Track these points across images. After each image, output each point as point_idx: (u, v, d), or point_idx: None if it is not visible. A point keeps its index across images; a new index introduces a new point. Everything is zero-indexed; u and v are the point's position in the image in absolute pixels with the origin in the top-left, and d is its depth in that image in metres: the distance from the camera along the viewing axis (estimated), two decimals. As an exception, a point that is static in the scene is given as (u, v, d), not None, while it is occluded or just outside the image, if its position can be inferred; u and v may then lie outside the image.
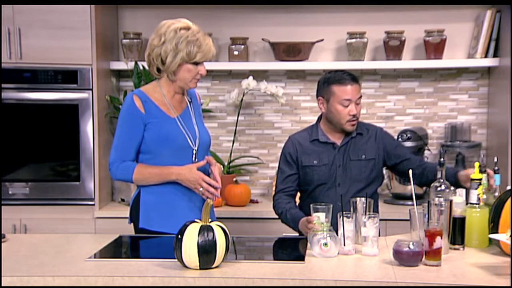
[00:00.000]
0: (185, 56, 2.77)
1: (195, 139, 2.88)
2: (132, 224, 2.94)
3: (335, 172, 3.07)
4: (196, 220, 2.37)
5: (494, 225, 2.54)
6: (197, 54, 2.78)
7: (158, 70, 2.86)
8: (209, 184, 2.79)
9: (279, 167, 3.17)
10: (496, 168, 2.81)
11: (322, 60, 4.23)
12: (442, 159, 2.81)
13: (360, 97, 3.05)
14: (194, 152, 2.86)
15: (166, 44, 2.77)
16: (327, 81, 3.06)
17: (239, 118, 4.26)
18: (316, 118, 3.22)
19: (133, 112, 2.82)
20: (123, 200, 4.03)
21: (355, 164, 3.07)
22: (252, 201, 4.05)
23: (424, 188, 3.87)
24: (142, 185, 2.88)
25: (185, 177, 2.80)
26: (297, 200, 3.21)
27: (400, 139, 3.97)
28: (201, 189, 2.79)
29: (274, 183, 4.04)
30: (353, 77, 3.05)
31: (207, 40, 2.82)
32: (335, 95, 3.02)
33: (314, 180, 3.08)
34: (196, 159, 2.86)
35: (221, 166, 4.03)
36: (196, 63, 2.81)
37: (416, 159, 3.15)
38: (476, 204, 2.67)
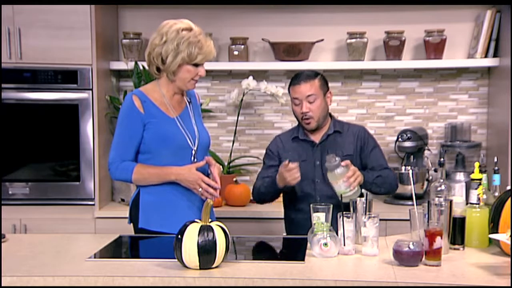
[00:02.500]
0: (185, 57, 2.77)
1: (195, 139, 2.88)
2: (131, 224, 2.94)
3: (313, 169, 3.15)
4: (196, 220, 2.37)
5: (494, 225, 2.54)
6: (198, 55, 2.79)
7: (158, 69, 2.86)
8: (208, 185, 2.79)
9: (263, 163, 3.32)
10: (496, 168, 2.81)
11: (322, 60, 4.23)
12: (442, 159, 2.82)
13: (312, 95, 3.10)
14: (193, 152, 2.86)
15: (168, 44, 2.77)
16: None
17: (239, 118, 4.26)
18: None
19: (132, 112, 2.82)
20: (123, 200, 4.03)
21: None
22: (252, 201, 4.05)
23: (424, 188, 3.89)
24: (141, 185, 2.88)
25: (184, 177, 2.80)
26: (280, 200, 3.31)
27: (400, 139, 3.97)
28: (200, 189, 2.79)
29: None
30: (306, 75, 3.14)
31: (208, 42, 2.82)
32: (290, 96, 3.19)
33: None
34: (195, 159, 2.86)
35: (221, 167, 4.02)
36: (196, 65, 2.81)
37: (376, 168, 3.15)
38: (476, 204, 2.67)
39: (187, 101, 2.96)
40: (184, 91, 2.92)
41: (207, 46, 2.81)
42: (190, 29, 2.81)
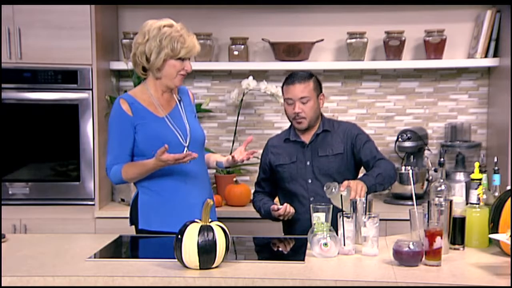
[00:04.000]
0: (169, 51, 2.79)
1: (186, 136, 2.88)
2: (133, 226, 2.94)
3: (305, 168, 3.17)
4: (196, 220, 2.37)
5: (494, 225, 2.55)
6: (181, 49, 2.80)
7: (144, 69, 2.87)
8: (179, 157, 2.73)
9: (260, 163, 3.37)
10: (496, 168, 2.81)
11: (322, 60, 4.23)
12: (442, 159, 2.82)
13: (306, 97, 3.09)
14: (185, 149, 2.84)
15: (150, 41, 2.80)
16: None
17: (239, 118, 4.26)
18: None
19: (121, 116, 2.83)
20: (123, 200, 4.03)
21: (323, 160, 3.15)
22: (252, 201, 4.05)
23: (424, 188, 3.89)
24: (140, 185, 2.89)
25: (161, 166, 2.75)
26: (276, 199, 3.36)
27: (400, 139, 3.97)
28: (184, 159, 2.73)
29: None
30: (301, 76, 3.13)
31: (190, 37, 2.85)
32: (284, 95, 3.18)
33: (286, 177, 3.20)
34: None
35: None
36: (182, 59, 2.82)
37: (371, 161, 3.14)
38: (476, 204, 2.67)
39: (177, 99, 2.96)
40: (173, 89, 2.93)
41: (190, 41, 2.83)
42: (171, 26, 2.83)
